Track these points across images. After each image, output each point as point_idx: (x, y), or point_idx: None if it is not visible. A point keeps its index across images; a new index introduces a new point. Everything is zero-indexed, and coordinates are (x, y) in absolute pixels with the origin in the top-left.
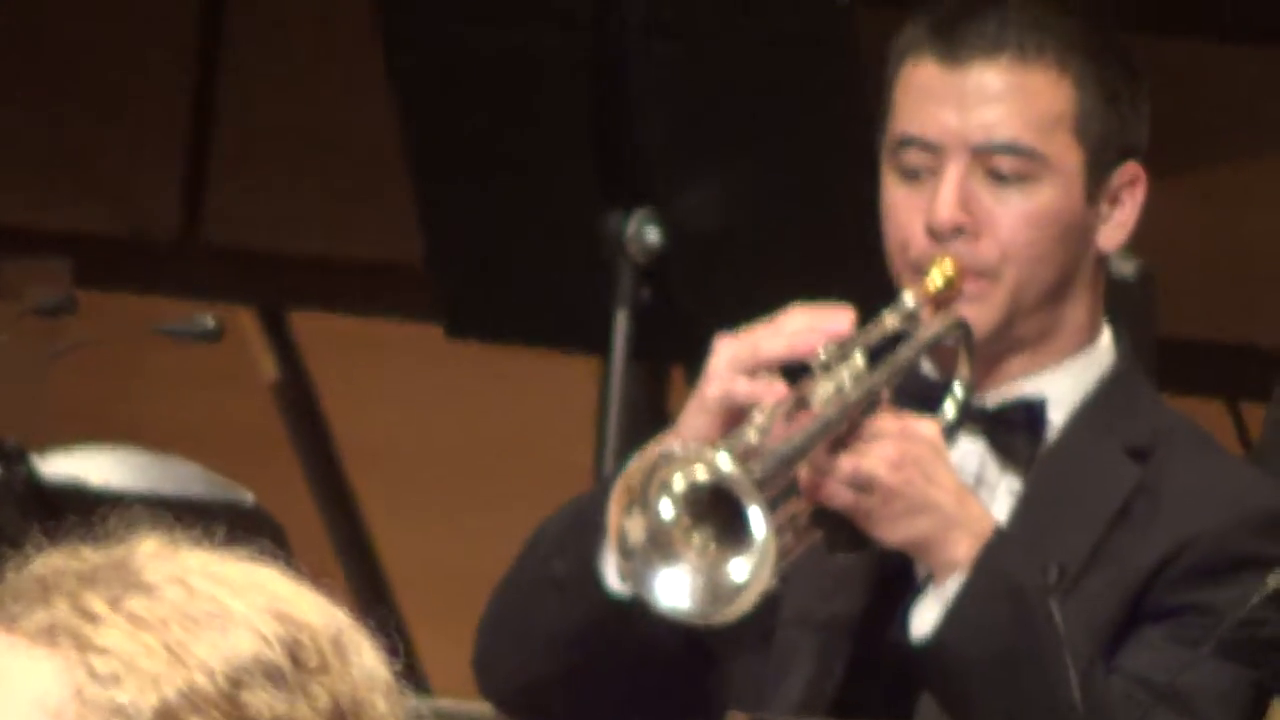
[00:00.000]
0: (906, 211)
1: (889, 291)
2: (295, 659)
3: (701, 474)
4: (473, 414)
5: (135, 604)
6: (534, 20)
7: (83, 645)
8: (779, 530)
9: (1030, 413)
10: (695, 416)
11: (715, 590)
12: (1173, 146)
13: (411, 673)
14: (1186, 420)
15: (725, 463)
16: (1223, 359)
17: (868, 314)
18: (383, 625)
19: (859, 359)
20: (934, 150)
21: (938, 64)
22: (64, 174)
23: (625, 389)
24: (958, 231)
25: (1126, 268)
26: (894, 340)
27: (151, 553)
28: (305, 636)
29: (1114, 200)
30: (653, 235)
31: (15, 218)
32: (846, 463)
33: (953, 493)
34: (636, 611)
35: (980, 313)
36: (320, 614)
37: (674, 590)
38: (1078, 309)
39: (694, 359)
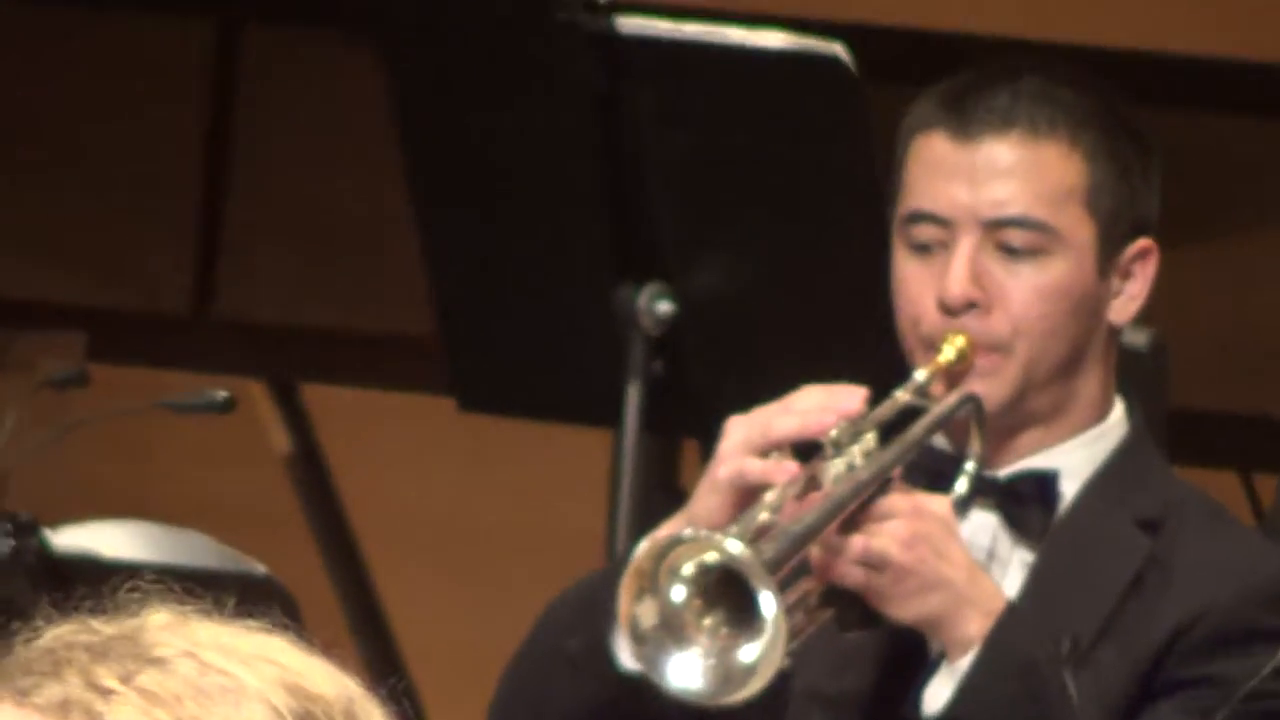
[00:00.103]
0: (918, 286)
1: (900, 366)
2: None
3: (712, 557)
4: (485, 487)
5: (147, 679)
6: (545, 103)
7: None
8: (790, 610)
9: (1043, 485)
10: (707, 496)
11: (727, 672)
12: (1185, 217)
13: None
14: (1198, 491)
15: (735, 546)
16: (1235, 430)
17: (879, 388)
18: (395, 696)
19: (871, 437)
20: (945, 225)
21: (949, 139)
22: (76, 248)
23: (637, 461)
24: (970, 306)
25: (1139, 338)
26: (906, 414)
27: (163, 625)
28: (318, 709)
29: (1126, 274)
30: (665, 308)
31: (28, 292)
32: (858, 542)
33: (964, 570)
34: (649, 689)
35: (992, 387)
36: (332, 685)
37: (686, 673)
38: (1090, 383)
39: (706, 431)
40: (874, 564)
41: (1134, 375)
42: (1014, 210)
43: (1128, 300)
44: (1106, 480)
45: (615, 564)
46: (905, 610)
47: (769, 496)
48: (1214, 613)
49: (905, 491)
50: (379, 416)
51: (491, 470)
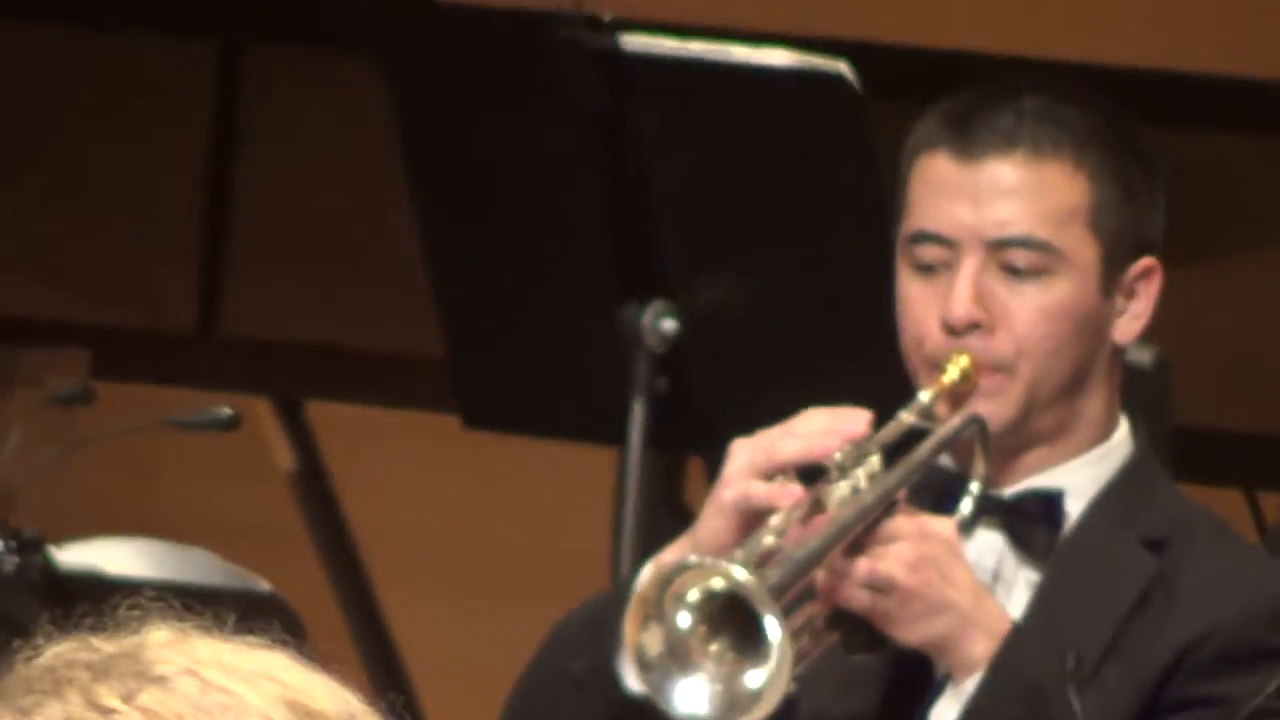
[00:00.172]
0: (922, 306)
1: (904, 384)
2: None
3: (717, 584)
4: (490, 503)
5: (148, 697)
6: (549, 121)
7: None
8: (796, 634)
9: (1048, 504)
10: (712, 519)
11: (733, 698)
12: (1188, 235)
13: None
14: (1203, 510)
15: (741, 573)
16: (1240, 448)
17: (882, 404)
18: (398, 712)
19: (875, 459)
20: (949, 245)
21: (952, 159)
22: (81, 266)
23: (642, 478)
24: (973, 326)
25: (1143, 356)
26: (911, 435)
27: (163, 642)
28: None
29: (1130, 293)
30: (669, 325)
31: (33, 309)
32: (863, 565)
33: (970, 592)
34: (655, 712)
35: (996, 408)
36: (334, 701)
37: (692, 699)
38: (1094, 402)
39: (711, 449)
40: (879, 587)
41: (1138, 393)
42: (1017, 230)
43: (1132, 319)
44: (1111, 499)
45: (621, 585)
46: (911, 633)
47: (774, 520)
48: (1220, 632)
49: (910, 513)
50: (383, 434)
51: (496, 487)
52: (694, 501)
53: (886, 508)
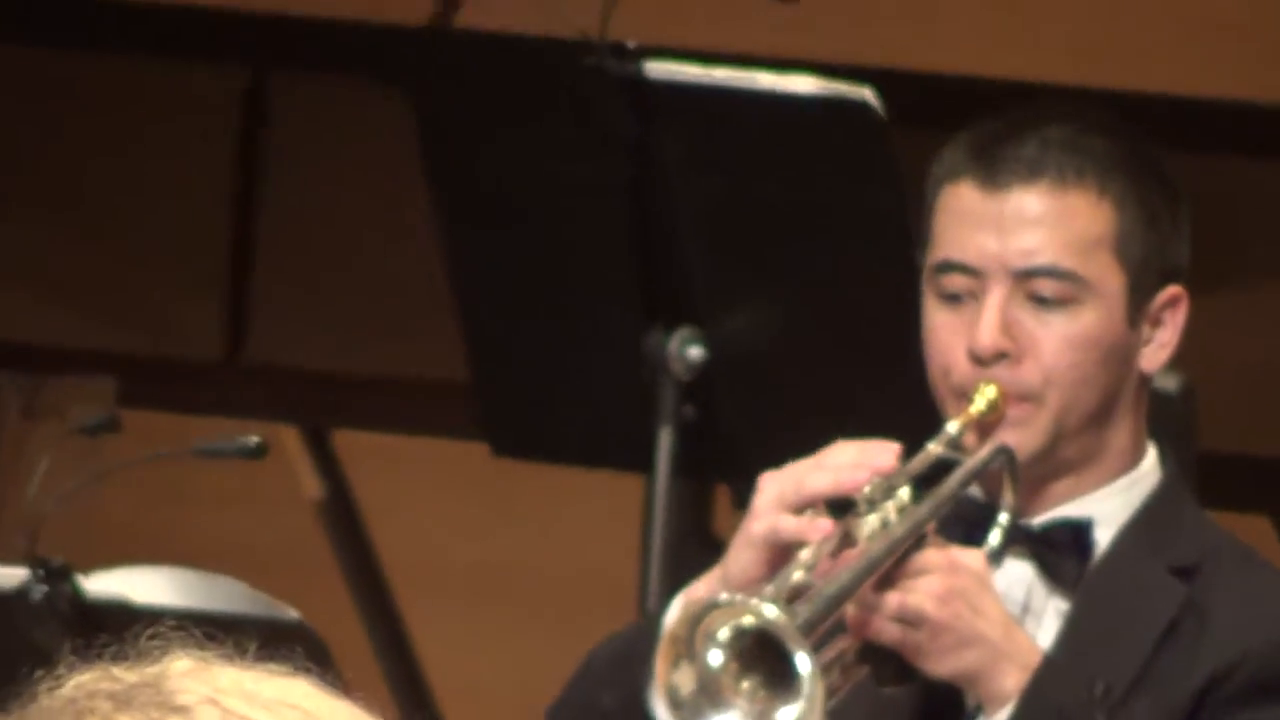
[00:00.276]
0: (948, 336)
1: (930, 412)
2: None
3: (748, 621)
4: (516, 531)
5: None
6: (575, 148)
7: None
8: (827, 668)
9: (1077, 534)
10: (741, 553)
11: None
12: (1212, 261)
13: None
14: (1231, 537)
15: (771, 611)
16: (1265, 474)
17: (909, 432)
18: None
19: (904, 492)
20: (975, 275)
21: (977, 188)
22: (107, 295)
23: (669, 506)
24: (1000, 356)
25: (1168, 382)
26: (939, 466)
27: (185, 671)
28: None
29: (1156, 321)
30: (695, 353)
31: (59, 338)
32: (893, 599)
33: (1000, 624)
34: None
35: (1024, 437)
36: None
37: None
38: (1121, 431)
39: (737, 476)
40: (909, 620)
41: (1163, 419)
42: (1043, 260)
43: (1158, 348)
44: (1140, 528)
45: (650, 617)
46: (941, 666)
47: (804, 555)
48: (1250, 660)
49: (939, 546)
50: (410, 461)
51: (523, 515)
52: (721, 529)
53: (916, 540)
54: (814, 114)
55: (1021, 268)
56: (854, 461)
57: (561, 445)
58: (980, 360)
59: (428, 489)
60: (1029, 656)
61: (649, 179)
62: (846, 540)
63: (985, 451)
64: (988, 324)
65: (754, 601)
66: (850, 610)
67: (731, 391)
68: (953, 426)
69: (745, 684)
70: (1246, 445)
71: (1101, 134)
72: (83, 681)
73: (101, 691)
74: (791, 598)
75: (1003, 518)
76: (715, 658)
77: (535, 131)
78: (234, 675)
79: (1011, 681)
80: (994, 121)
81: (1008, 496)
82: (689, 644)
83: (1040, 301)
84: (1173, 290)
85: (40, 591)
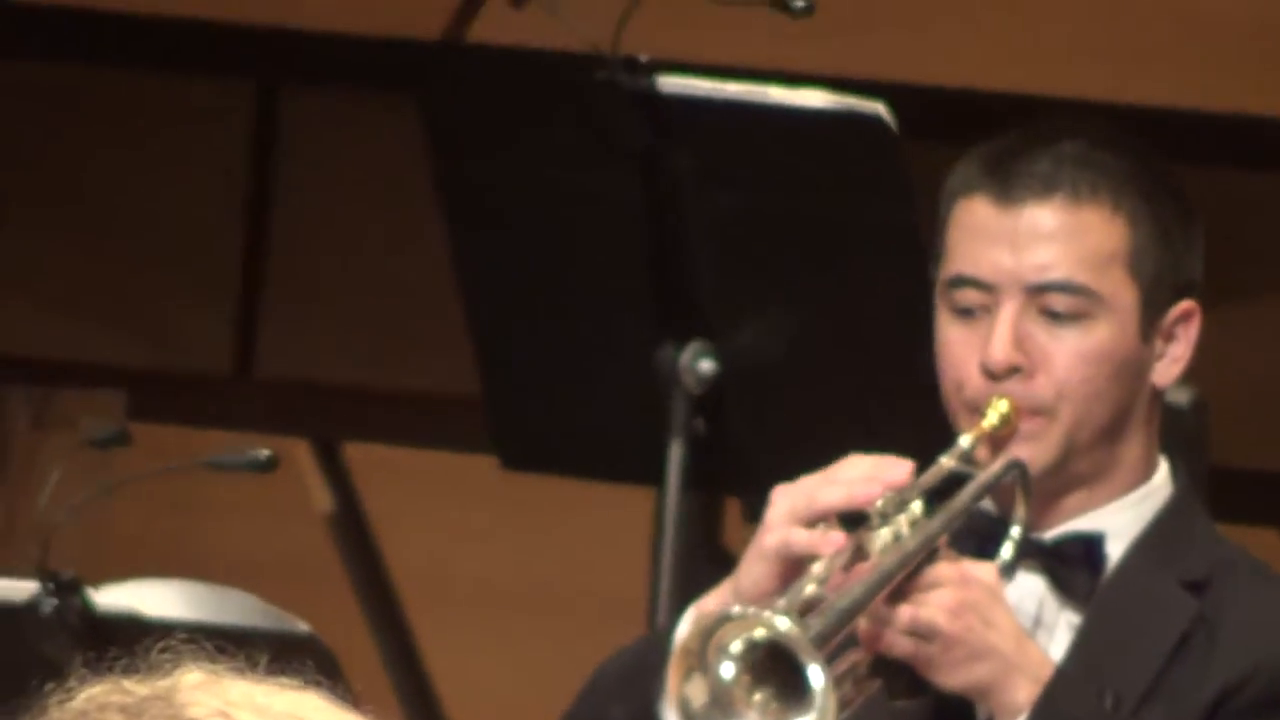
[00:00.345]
0: (961, 350)
1: (941, 426)
2: None
3: (760, 634)
4: (527, 544)
5: None
6: (587, 162)
7: None
8: (839, 681)
9: (1089, 547)
10: (753, 566)
11: None
12: (1223, 275)
13: None
14: (1242, 551)
15: (784, 623)
16: (1276, 488)
17: (920, 446)
18: None
19: (917, 505)
20: (988, 289)
21: (991, 204)
22: (117, 307)
23: (679, 520)
24: (1013, 371)
25: (1180, 396)
26: (951, 480)
27: (195, 684)
28: None
29: (1169, 336)
30: (707, 366)
31: (69, 351)
32: (905, 612)
33: (1012, 637)
34: None
35: (1036, 451)
36: None
37: None
38: (1134, 445)
39: (748, 489)
40: (922, 633)
41: (1174, 433)
42: (1057, 275)
43: (1171, 363)
44: (1152, 541)
45: (660, 631)
46: (954, 679)
47: (816, 568)
48: (1261, 673)
49: (952, 559)
50: (420, 474)
51: (533, 528)
52: (731, 542)
53: (928, 554)
54: (826, 128)
55: (1035, 283)
56: (866, 475)
57: (572, 458)
58: (993, 375)
59: (438, 502)
60: (1041, 669)
61: (661, 193)
62: (859, 554)
63: (998, 465)
64: (1000, 338)
65: (766, 614)
66: (862, 623)
67: (742, 405)
68: (965, 440)
69: (757, 696)
70: (1257, 459)
71: (1115, 150)
72: (94, 694)
73: (113, 704)
74: (804, 611)
75: (1015, 531)
76: (727, 670)
77: (547, 145)
78: (245, 688)
79: (1023, 694)
80: (1008, 137)
81: (1020, 510)
82: (701, 656)
83: (1053, 316)
84: (1186, 305)
85: (50, 604)
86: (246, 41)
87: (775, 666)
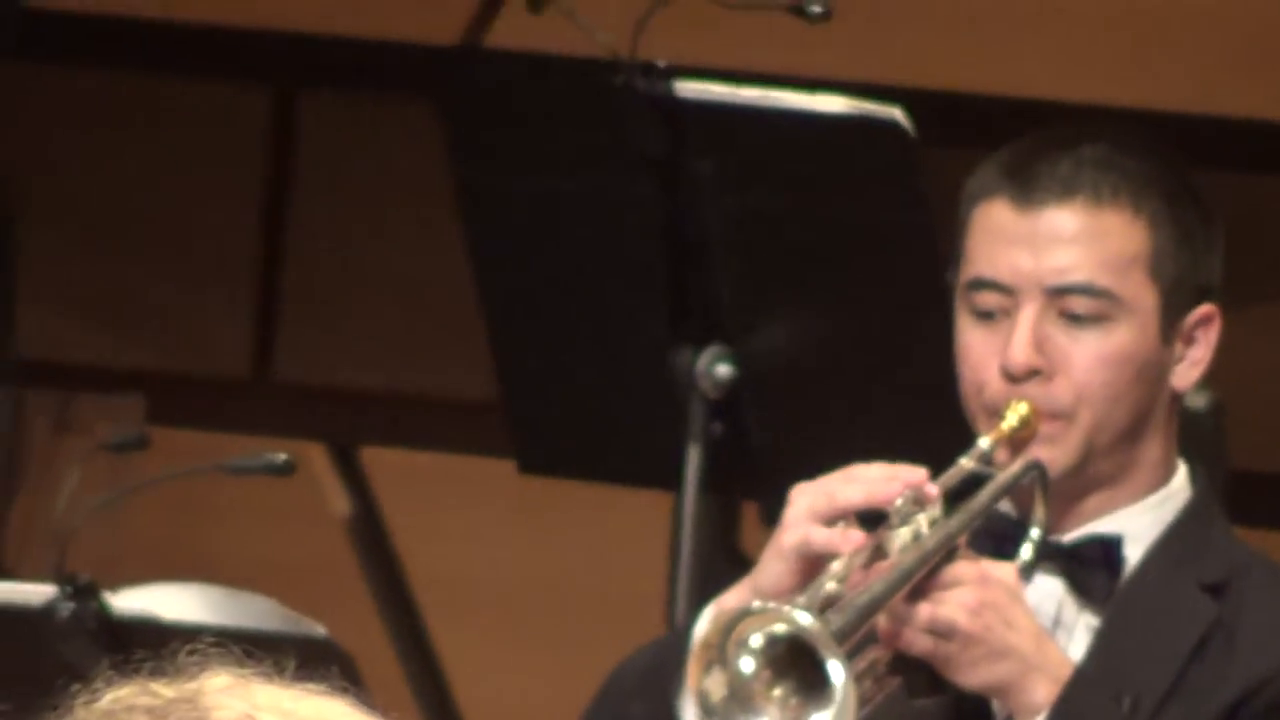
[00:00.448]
0: (981, 353)
1: (961, 429)
2: None
3: (780, 629)
4: (544, 548)
5: None
6: (604, 167)
7: None
8: (859, 678)
9: (1107, 550)
10: (772, 564)
11: None
12: (1242, 279)
13: None
14: (1261, 555)
15: (804, 618)
16: None
17: (939, 450)
18: None
19: (936, 506)
20: (1008, 292)
21: (1011, 206)
22: (135, 312)
23: (697, 523)
24: (1033, 373)
25: (1198, 400)
26: (971, 481)
27: (222, 688)
28: None
29: (1189, 340)
30: (724, 370)
31: (87, 355)
32: (925, 610)
33: (1031, 637)
34: None
35: (1056, 454)
36: None
37: None
38: (1153, 448)
39: (766, 493)
40: (941, 632)
41: (1193, 437)
42: (1077, 277)
43: (1190, 366)
44: (1171, 544)
45: (680, 630)
46: (973, 677)
47: (835, 566)
48: (1278, 678)
49: (971, 559)
50: (438, 479)
51: (551, 532)
52: (749, 545)
53: (947, 553)
54: (843, 133)
55: (1055, 285)
56: (886, 474)
57: (590, 462)
58: (1012, 377)
59: (455, 506)
60: (1060, 669)
61: (678, 198)
62: (878, 553)
63: (1017, 466)
64: (1020, 341)
65: (787, 609)
66: (882, 621)
67: (760, 409)
68: (984, 442)
69: (777, 691)
70: (1276, 463)
71: (1135, 153)
72: (120, 695)
73: (139, 706)
74: (823, 608)
75: (1034, 533)
76: (747, 665)
77: (565, 150)
78: (272, 693)
79: (1042, 693)
80: (1028, 140)
81: (1039, 512)
82: (721, 651)
83: (1073, 319)
84: (1206, 308)
85: (67, 608)
86: (265, 47)
87: (795, 662)
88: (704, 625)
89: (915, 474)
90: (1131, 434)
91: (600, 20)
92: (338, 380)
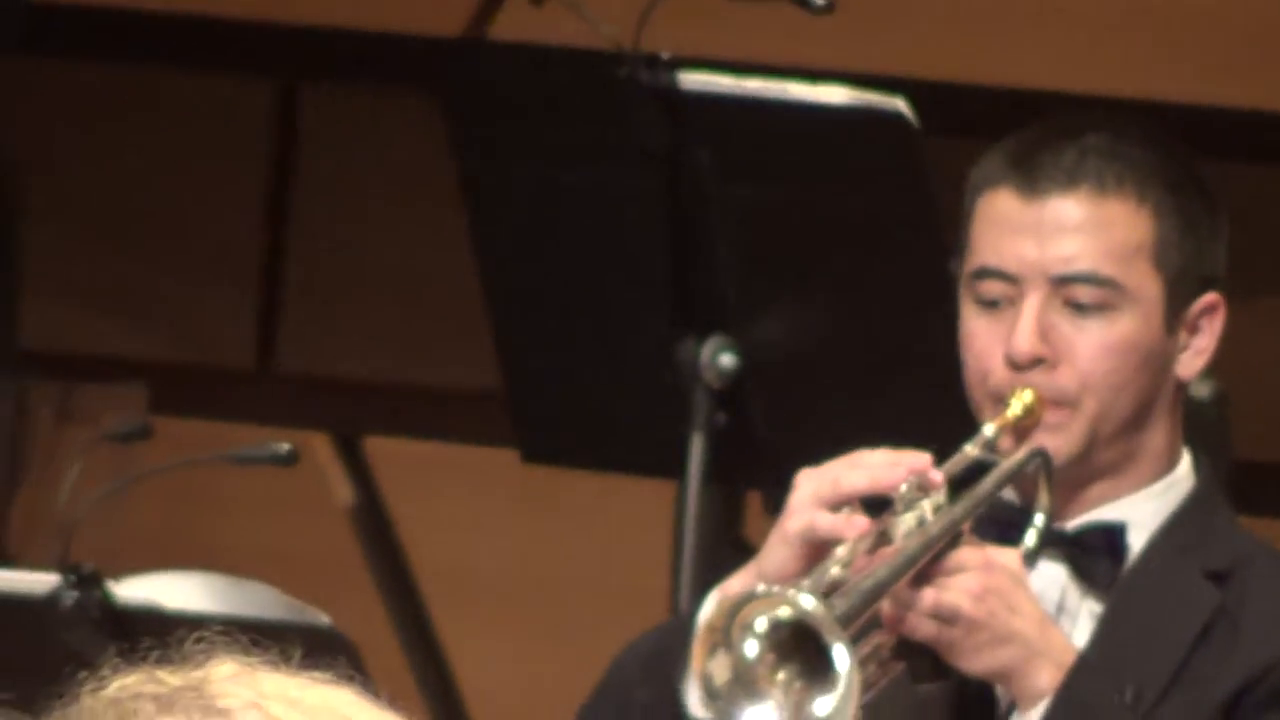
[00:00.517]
0: (986, 342)
1: (963, 419)
2: None
3: (785, 613)
4: (548, 537)
5: None
6: (608, 158)
7: None
8: (863, 663)
9: (1110, 537)
10: (777, 549)
11: None
12: (1246, 269)
13: None
14: (1265, 544)
15: (809, 602)
16: None
17: (943, 438)
18: None
19: (940, 493)
20: (1013, 281)
21: (1016, 195)
22: (139, 302)
23: (700, 513)
24: (1037, 362)
25: (1202, 389)
26: (975, 468)
27: (228, 676)
28: None
29: (1193, 329)
30: (728, 360)
31: (90, 345)
32: (929, 596)
33: (1035, 622)
34: None
35: (1060, 442)
36: None
37: None
38: (1157, 436)
39: (769, 483)
40: (945, 617)
41: (1196, 427)
42: (1081, 266)
43: (1194, 355)
44: (1174, 532)
45: (684, 615)
46: (977, 663)
47: (840, 551)
48: None
49: (975, 545)
50: (442, 468)
51: (555, 521)
52: (752, 535)
53: (951, 539)
54: (847, 124)
55: (1060, 274)
56: (890, 460)
57: (593, 452)
58: (1017, 365)
59: (459, 495)
60: (1064, 655)
61: (682, 189)
62: (882, 538)
63: (1021, 453)
64: (1025, 329)
65: (791, 592)
66: (886, 606)
67: (763, 399)
68: (989, 429)
69: (781, 675)
70: (1279, 453)
71: (1139, 142)
72: (127, 684)
73: (145, 694)
74: (828, 592)
75: (1038, 519)
76: (751, 648)
77: (568, 142)
78: (278, 681)
79: (1046, 679)
80: (1032, 130)
81: (1043, 499)
82: (725, 634)
83: (1077, 308)
84: (1210, 298)
85: (71, 597)
86: (267, 39)
87: (799, 646)
88: (709, 609)
89: (920, 460)
90: (1135, 422)
91: (603, 12)
92: (341, 370)
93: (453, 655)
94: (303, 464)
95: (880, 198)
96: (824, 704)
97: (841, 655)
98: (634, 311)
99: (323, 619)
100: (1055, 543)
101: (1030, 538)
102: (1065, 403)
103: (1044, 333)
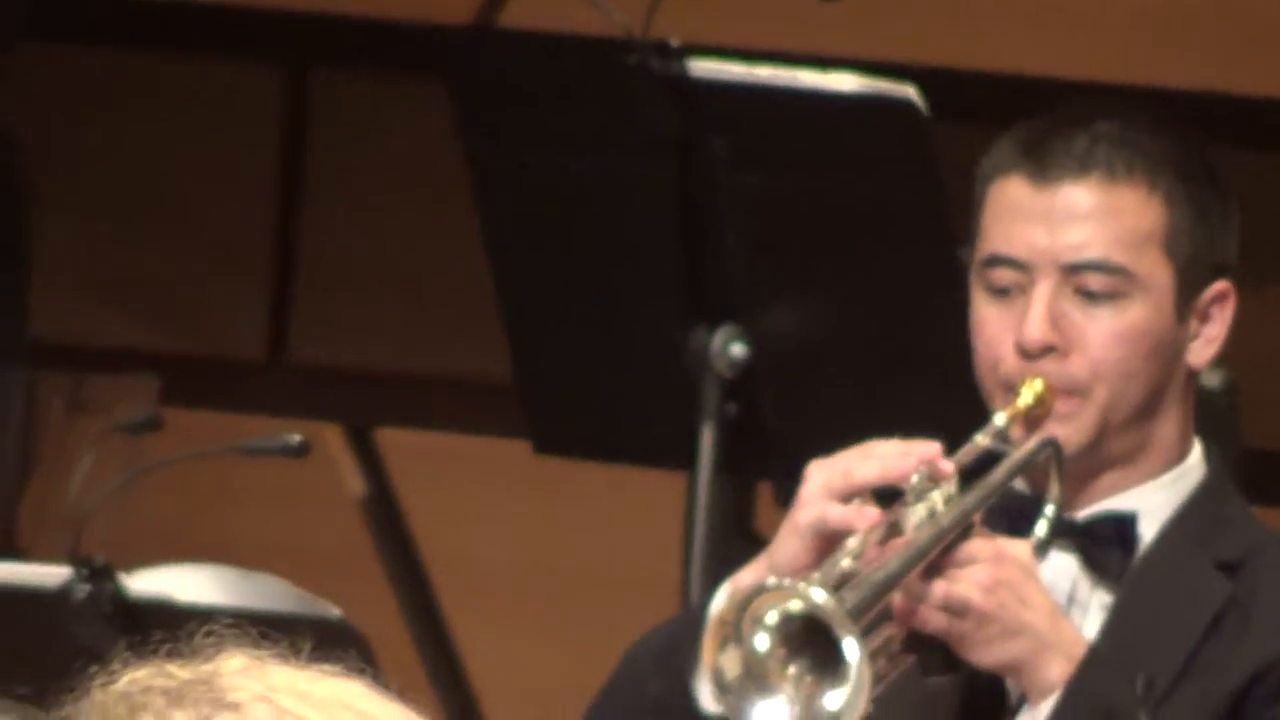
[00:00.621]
0: (997, 330)
1: (974, 408)
2: None
3: (796, 606)
4: (559, 529)
5: None
6: (618, 146)
7: None
8: (873, 656)
9: (1121, 527)
10: (788, 541)
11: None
12: (1259, 257)
13: None
14: (1276, 534)
15: (819, 595)
16: None
17: (954, 427)
18: None
19: (951, 484)
20: (1023, 269)
21: (1027, 183)
22: (150, 293)
23: (711, 503)
24: (1048, 350)
25: (1212, 379)
26: (986, 458)
27: (238, 669)
28: None
29: (1204, 317)
30: (738, 350)
31: (102, 336)
32: (939, 588)
33: (1046, 615)
34: None
35: (1071, 431)
36: None
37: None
38: (1168, 425)
39: (780, 473)
40: (956, 610)
41: (1207, 416)
42: (1092, 254)
43: (1205, 343)
44: (1185, 522)
45: (695, 608)
46: (987, 655)
47: (851, 543)
48: None
49: (986, 536)
50: (453, 460)
51: (566, 512)
52: (763, 526)
53: (962, 531)
54: (857, 112)
55: (1070, 262)
56: (901, 451)
57: (604, 442)
58: (1028, 354)
59: (470, 487)
60: (1074, 647)
61: (692, 177)
62: (893, 530)
63: (1032, 443)
64: (1035, 317)
65: (802, 586)
66: (897, 599)
67: (774, 389)
68: (1000, 419)
69: (792, 669)
70: None
71: (1150, 130)
72: (137, 677)
73: (155, 687)
74: (839, 585)
75: (1049, 509)
76: (762, 642)
77: (579, 130)
78: (288, 674)
79: (1056, 671)
80: (1043, 118)
81: (1054, 489)
82: (736, 628)
83: (1088, 296)
84: (1221, 286)
85: (82, 590)
86: (277, 26)
87: (810, 639)
88: (720, 602)
89: (930, 450)
90: (1146, 411)
91: None
92: (352, 361)
93: (464, 647)
94: (314, 455)
95: (890, 185)
96: (835, 697)
97: (852, 648)
98: (644, 301)
99: (333, 611)
100: (1066, 533)
101: (1041, 528)
102: (1076, 391)
103: (1055, 321)
